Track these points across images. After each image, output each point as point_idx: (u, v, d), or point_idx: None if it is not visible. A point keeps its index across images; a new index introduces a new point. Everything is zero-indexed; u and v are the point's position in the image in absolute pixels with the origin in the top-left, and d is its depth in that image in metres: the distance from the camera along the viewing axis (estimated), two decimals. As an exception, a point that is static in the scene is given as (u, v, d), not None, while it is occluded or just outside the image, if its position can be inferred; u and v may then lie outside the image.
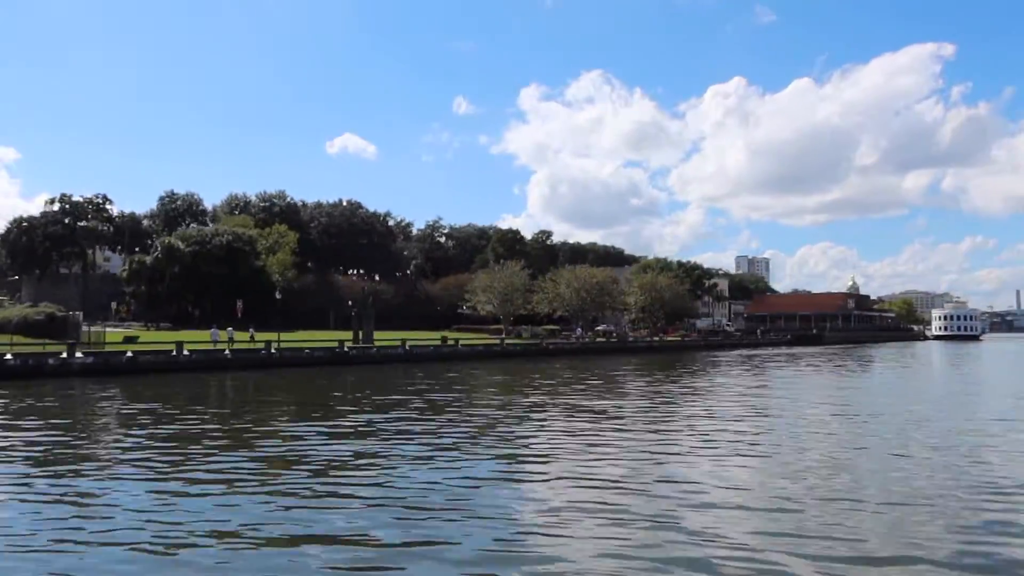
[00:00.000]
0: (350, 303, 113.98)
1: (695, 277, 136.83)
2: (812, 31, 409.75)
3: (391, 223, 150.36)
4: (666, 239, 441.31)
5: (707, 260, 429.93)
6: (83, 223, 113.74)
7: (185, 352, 44.92)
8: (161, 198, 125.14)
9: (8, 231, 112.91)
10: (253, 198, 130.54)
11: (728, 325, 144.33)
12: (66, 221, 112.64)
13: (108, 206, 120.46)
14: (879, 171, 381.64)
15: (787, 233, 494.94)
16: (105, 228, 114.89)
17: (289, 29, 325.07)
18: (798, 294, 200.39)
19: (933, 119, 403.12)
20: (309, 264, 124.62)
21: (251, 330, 59.97)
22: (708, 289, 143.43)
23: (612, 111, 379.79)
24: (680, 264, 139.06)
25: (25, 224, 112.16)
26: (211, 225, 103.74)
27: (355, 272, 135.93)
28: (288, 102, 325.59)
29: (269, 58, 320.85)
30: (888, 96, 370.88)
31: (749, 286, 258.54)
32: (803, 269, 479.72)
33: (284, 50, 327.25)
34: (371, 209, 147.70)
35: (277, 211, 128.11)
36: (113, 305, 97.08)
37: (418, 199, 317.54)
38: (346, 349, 53.96)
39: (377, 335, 75.51)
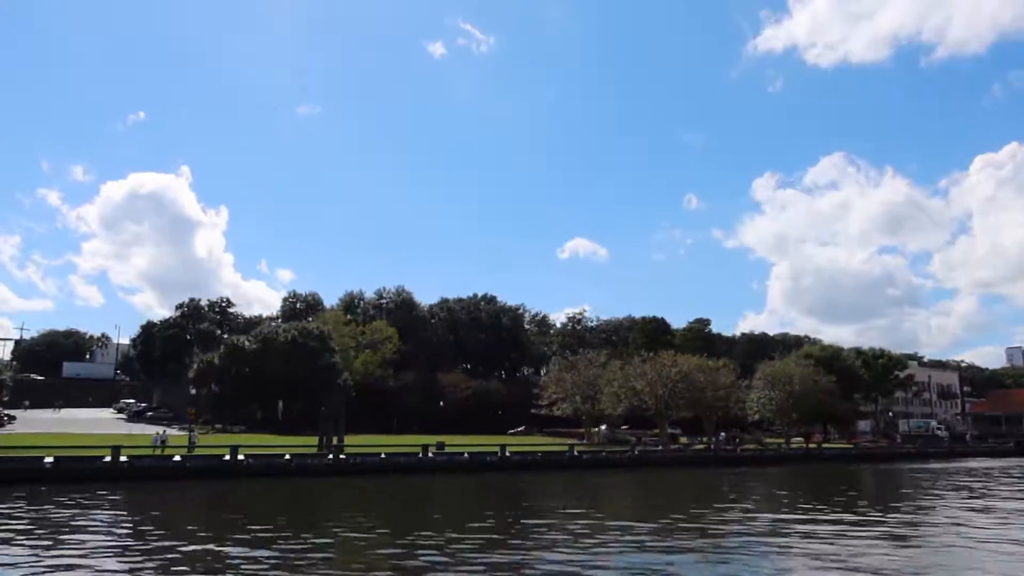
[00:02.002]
0: (441, 403, 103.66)
1: (878, 368, 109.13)
2: None
3: (526, 316, 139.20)
4: (933, 331, 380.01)
5: (987, 355, 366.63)
6: (202, 326, 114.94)
7: (48, 460, 35.98)
8: (284, 298, 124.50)
9: (136, 337, 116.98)
10: (371, 294, 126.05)
11: (939, 428, 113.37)
12: (185, 325, 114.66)
13: (230, 309, 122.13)
14: None
15: None
16: (219, 331, 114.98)
17: (512, 136, 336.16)
18: None
19: None
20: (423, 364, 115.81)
21: (192, 433, 50.30)
22: (900, 383, 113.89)
23: (859, 193, 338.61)
24: (859, 352, 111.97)
25: (153, 330, 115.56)
26: (278, 323, 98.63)
27: (479, 370, 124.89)
28: (518, 209, 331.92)
29: (495, 164, 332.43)
30: None
31: (1006, 382, 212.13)
32: None
33: (512, 156, 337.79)
34: (506, 302, 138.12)
35: (392, 307, 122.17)
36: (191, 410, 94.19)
37: (650, 300, 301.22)
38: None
39: (404, 439, 63.49)
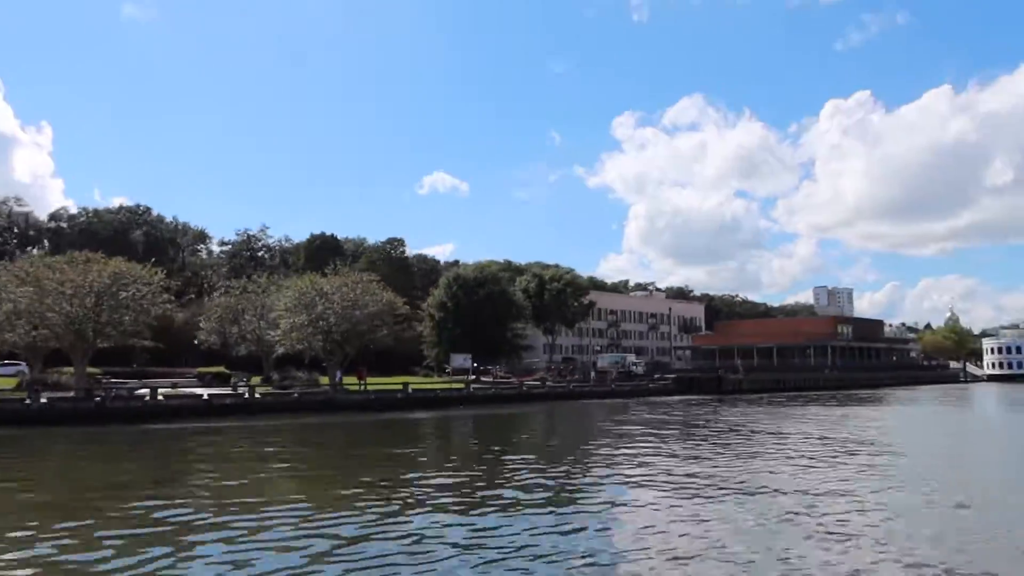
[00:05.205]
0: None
1: (553, 291, 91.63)
2: (953, 35, 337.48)
3: (181, 232, 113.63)
4: (775, 273, 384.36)
5: (821, 295, 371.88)
6: None
7: None
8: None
9: None
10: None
11: (635, 364, 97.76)
12: None
13: None
14: (1015, 191, 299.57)
15: (910, 264, 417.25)
16: None
17: (373, 66, 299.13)
18: (773, 320, 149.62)
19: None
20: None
21: None
22: (579, 310, 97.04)
23: (717, 135, 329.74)
24: (535, 275, 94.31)
25: None
26: None
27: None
28: (375, 142, 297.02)
29: (351, 95, 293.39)
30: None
31: (779, 316, 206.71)
32: (923, 303, 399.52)
33: (368, 87, 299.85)
34: (160, 214, 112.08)
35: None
36: None
37: (515, 238, 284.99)
38: None
39: None
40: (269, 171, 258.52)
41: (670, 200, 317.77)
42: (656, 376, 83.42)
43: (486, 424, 44.15)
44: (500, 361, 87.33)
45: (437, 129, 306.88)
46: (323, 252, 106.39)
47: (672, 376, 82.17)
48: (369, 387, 56.20)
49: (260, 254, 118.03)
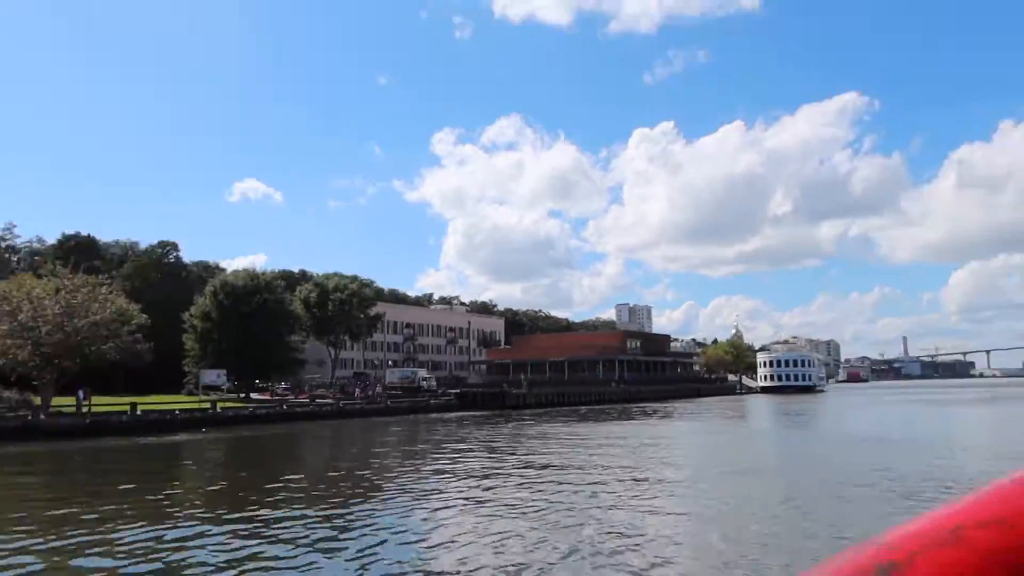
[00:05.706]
0: None
1: (336, 301, 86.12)
2: (746, 74, 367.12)
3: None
4: (585, 291, 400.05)
5: (623, 312, 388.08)
6: None
7: None
8: None
9: None
10: None
11: (425, 379, 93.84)
12: None
13: None
14: (793, 221, 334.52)
15: (704, 284, 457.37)
16: None
17: (186, 65, 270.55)
18: (567, 334, 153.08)
19: (847, 170, 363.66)
20: None
21: None
22: (365, 322, 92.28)
23: (533, 156, 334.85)
24: (317, 284, 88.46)
25: None
26: None
27: None
28: (181, 144, 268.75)
29: (159, 95, 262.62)
30: (807, 145, 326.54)
31: (579, 331, 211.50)
32: (715, 320, 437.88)
33: (177, 86, 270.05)
34: None
35: None
36: None
37: (331, 251, 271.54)
38: None
39: None
40: (77, 173, 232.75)
41: (488, 217, 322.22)
42: (439, 391, 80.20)
43: (195, 450, 38.52)
44: (274, 377, 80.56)
45: (249, 133, 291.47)
46: (76, 255, 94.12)
47: (455, 391, 79.24)
48: (93, 409, 48.32)
49: (6, 256, 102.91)
